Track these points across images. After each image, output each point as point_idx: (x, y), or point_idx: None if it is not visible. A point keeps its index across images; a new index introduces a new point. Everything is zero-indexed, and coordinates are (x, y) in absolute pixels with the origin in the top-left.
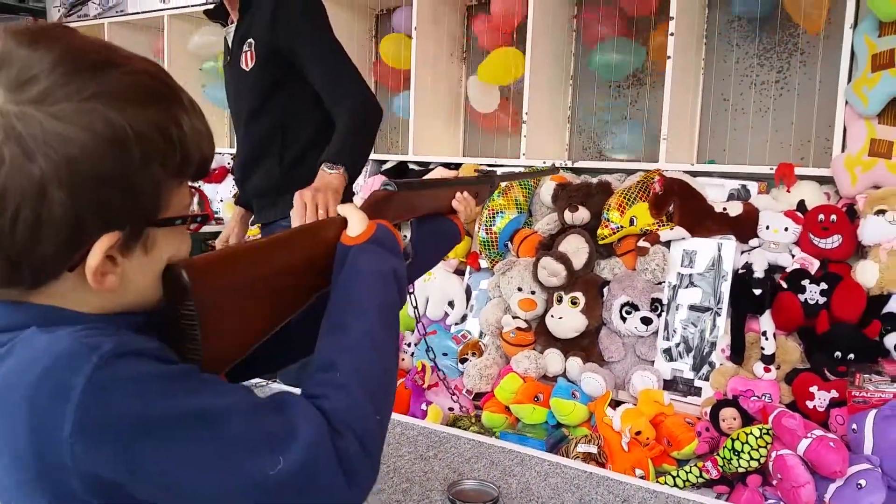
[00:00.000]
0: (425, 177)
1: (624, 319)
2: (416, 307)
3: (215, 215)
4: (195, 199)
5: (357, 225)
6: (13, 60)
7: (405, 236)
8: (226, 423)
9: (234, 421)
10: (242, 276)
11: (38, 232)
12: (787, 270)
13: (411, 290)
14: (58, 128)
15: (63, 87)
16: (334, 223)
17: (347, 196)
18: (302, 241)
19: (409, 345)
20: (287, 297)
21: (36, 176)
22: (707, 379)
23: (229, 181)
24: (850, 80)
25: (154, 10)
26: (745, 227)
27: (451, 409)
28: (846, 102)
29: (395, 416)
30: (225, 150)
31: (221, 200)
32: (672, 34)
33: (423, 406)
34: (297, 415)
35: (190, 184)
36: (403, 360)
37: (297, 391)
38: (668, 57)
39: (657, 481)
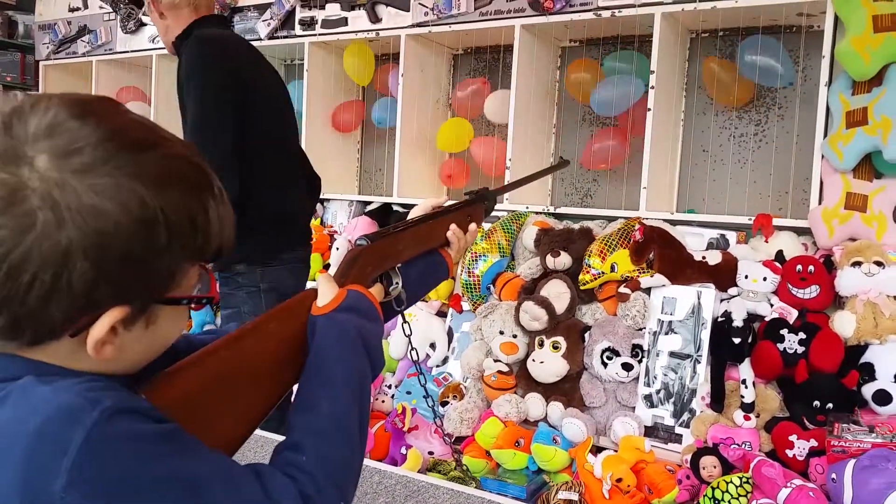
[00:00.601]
0: (416, 206)
1: (605, 365)
2: (413, 348)
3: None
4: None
5: (325, 294)
6: (63, 131)
7: (396, 283)
8: (209, 488)
9: (217, 487)
10: (209, 383)
11: (50, 297)
12: (766, 319)
13: (409, 333)
14: (94, 201)
15: (106, 163)
16: (309, 296)
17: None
18: (271, 327)
19: (389, 386)
20: (271, 382)
21: (63, 244)
22: (687, 426)
23: None
24: (825, 135)
25: (143, 50)
26: (724, 275)
27: (430, 454)
28: (822, 157)
29: (373, 463)
30: None
31: None
32: (652, 87)
33: (403, 450)
34: (276, 488)
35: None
36: (384, 402)
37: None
38: (649, 109)
39: None
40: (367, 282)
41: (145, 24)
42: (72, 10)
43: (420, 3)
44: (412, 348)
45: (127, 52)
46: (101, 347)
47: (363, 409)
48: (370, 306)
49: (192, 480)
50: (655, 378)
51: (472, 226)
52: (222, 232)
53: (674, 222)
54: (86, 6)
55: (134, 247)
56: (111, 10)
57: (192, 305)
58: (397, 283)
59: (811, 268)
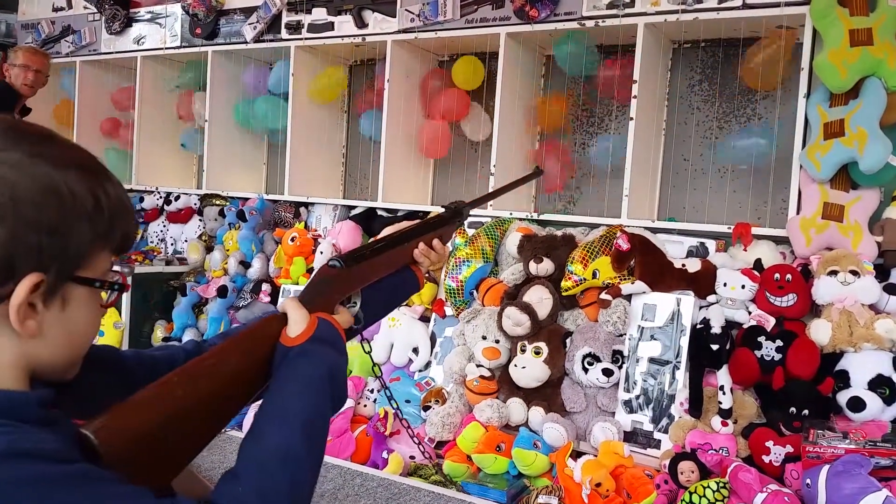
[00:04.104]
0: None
1: (586, 370)
2: (375, 364)
3: (178, 256)
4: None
5: (297, 324)
6: None
7: (354, 303)
8: None
9: None
10: (164, 422)
11: None
12: (744, 327)
13: (369, 350)
14: (8, 173)
15: (14, 145)
16: (272, 322)
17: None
18: (232, 359)
19: (371, 391)
20: (222, 413)
21: None
22: (666, 431)
23: (195, 222)
24: (804, 145)
25: (127, 51)
26: (703, 283)
27: (412, 458)
28: (801, 167)
29: (355, 466)
30: (192, 191)
31: (186, 241)
32: (635, 97)
33: (385, 454)
34: None
35: (114, 262)
36: (365, 406)
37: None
38: (631, 118)
39: None
40: (334, 306)
41: (130, 26)
42: (56, 9)
43: (406, 10)
44: (379, 375)
45: (111, 52)
46: (23, 319)
47: (314, 447)
48: (338, 338)
49: None
50: (635, 384)
51: (437, 244)
52: (125, 216)
53: (654, 230)
54: (70, 6)
55: (46, 215)
56: (96, 11)
57: (107, 299)
58: (355, 303)
59: (789, 276)
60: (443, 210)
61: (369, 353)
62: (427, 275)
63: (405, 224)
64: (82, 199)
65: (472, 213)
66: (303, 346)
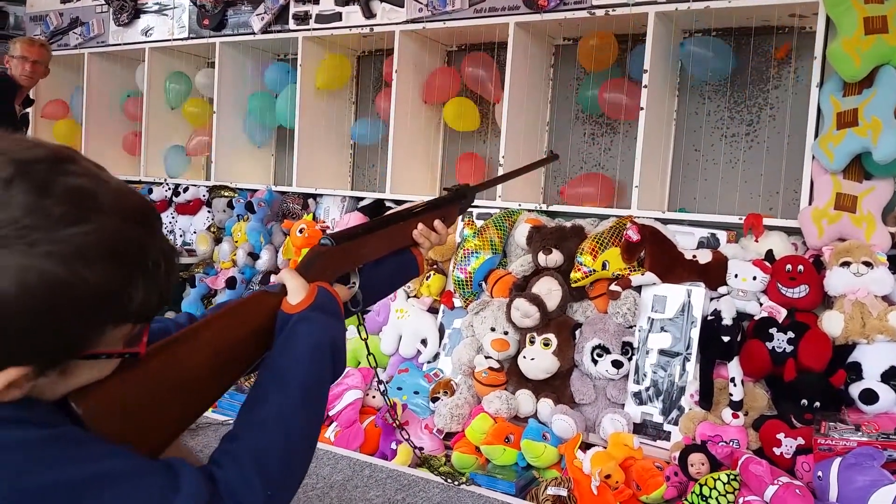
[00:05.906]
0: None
1: (595, 362)
2: (370, 354)
3: (187, 248)
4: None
5: (297, 292)
6: None
7: (353, 283)
8: (102, 490)
9: (112, 487)
10: (142, 391)
11: None
12: (755, 318)
13: (365, 337)
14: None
15: (18, 241)
16: (267, 294)
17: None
18: (217, 329)
19: (380, 382)
20: (208, 387)
21: None
22: (676, 423)
23: (204, 213)
24: (816, 135)
25: (135, 43)
26: (714, 274)
27: (420, 449)
28: (813, 157)
29: (363, 457)
30: (200, 183)
31: (195, 232)
32: (645, 86)
33: (393, 445)
34: (182, 478)
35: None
36: (374, 397)
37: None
38: (641, 108)
39: None
40: (327, 282)
41: (138, 17)
42: (63, 1)
43: (415, 0)
44: (369, 352)
45: (119, 44)
46: (5, 393)
47: (311, 411)
48: (338, 307)
49: (81, 485)
50: (645, 375)
51: (439, 224)
52: (149, 302)
53: (665, 221)
54: None
55: (29, 321)
56: (104, 3)
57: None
58: (354, 283)
59: (801, 267)
60: (444, 192)
61: (366, 339)
62: (436, 265)
63: (407, 206)
64: (91, 297)
65: (481, 205)
66: (303, 313)
